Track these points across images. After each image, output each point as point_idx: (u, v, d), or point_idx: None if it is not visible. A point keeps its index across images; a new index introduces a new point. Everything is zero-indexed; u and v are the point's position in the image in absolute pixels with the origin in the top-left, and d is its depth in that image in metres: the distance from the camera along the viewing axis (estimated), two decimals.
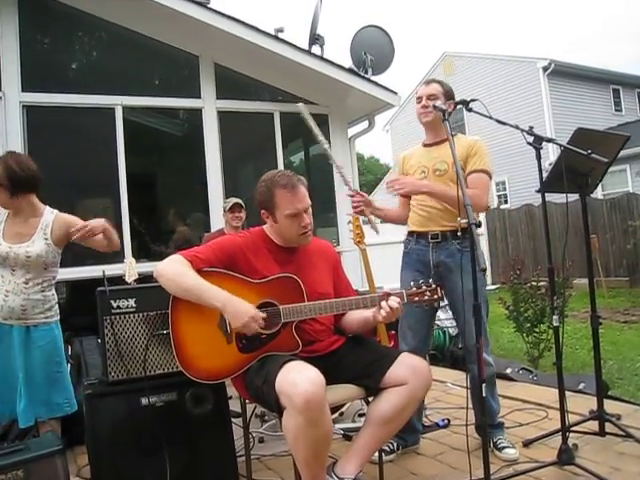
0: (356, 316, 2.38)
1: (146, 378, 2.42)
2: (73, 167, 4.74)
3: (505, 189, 17.82)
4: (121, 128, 4.76)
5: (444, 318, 4.83)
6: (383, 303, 2.19)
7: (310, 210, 2.31)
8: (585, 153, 2.32)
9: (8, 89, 4.36)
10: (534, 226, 12.52)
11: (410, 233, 2.92)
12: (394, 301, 2.19)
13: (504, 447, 2.68)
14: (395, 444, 2.82)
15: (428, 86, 2.82)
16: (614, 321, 7.26)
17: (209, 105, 5.17)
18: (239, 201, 4.36)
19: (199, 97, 5.16)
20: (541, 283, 5.04)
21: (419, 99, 2.81)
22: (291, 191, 2.24)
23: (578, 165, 2.59)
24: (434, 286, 2.25)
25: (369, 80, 5.69)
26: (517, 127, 2.51)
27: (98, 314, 2.45)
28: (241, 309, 2.08)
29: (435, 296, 2.24)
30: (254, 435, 3.03)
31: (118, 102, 4.77)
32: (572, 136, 2.50)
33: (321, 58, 5.43)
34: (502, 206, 16.13)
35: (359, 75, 5.67)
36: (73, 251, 4.67)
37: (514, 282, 5.17)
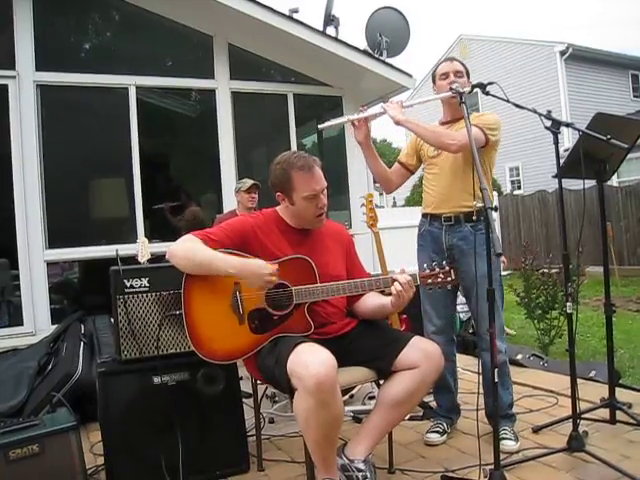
0: (372, 301, 2.38)
1: (159, 357, 2.44)
2: (87, 147, 4.73)
3: (519, 175, 17.66)
4: (134, 108, 4.74)
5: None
6: (395, 284, 2.18)
7: (325, 191, 2.30)
8: (604, 138, 2.28)
9: (22, 68, 4.35)
10: (547, 213, 12.41)
11: (424, 215, 2.90)
12: (402, 278, 2.17)
13: (503, 438, 2.57)
14: (445, 424, 2.85)
15: (453, 63, 2.78)
16: (626, 310, 7.20)
17: (223, 86, 5.14)
18: (256, 182, 4.34)
19: (213, 77, 5.12)
20: (553, 270, 5.01)
21: (445, 75, 2.74)
22: (308, 172, 2.23)
23: (596, 151, 2.55)
24: (447, 268, 2.23)
25: (384, 62, 5.63)
26: (535, 111, 2.47)
27: (111, 293, 2.47)
28: (255, 269, 2.10)
29: (448, 278, 2.23)
30: (265, 416, 3.06)
31: (131, 82, 4.74)
32: (591, 121, 2.46)
33: (336, 39, 5.36)
34: (515, 192, 16.00)
35: (374, 57, 5.61)
36: (86, 231, 4.74)
37: (525, 268, 5.14)
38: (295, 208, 2.29)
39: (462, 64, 2.79)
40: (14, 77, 4.31)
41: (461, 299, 3.08)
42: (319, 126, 2.79)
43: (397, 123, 2.67)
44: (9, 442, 2.03)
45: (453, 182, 2.72)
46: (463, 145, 2.52)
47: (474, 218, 2.57)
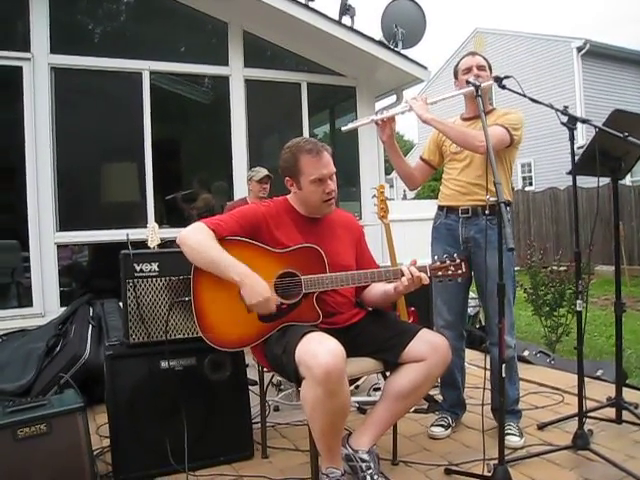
0: (377, 289, 2.38)
1: (166, 342, 2.45)
2: (99, 131, 4.74)
3: (531, 171, 17.54)
4: (148, 93, 4.74)
5: None
6: (405, 268, 2.17)
7: (335, 178, 2.29)
8: (621, 136, 2.26)
9: (37, 51, 4.36)
10: (558, 210, 12.34)
11: (440, 207, 2.88)
12: (415, 272, 2.16)
13: (508, 434, 2.57)
14: (450, 418, 2.85)
15: (475, 57, 2.75)
16: (635, 310, 7.15)
17: (236, 73, 5.13)
18: (269, 174, 4.32)
19: (227, 64, 5.11)
20: (561, 268, 4.99)
21: (468, 69, 2.71)
22: (316, 156, 2.22)
23: (612, 148, 2.52)
24: (458, 261, 2.22)
25: (399, 53, 5.58)
26: (551, 106, 2.44)
27: (121, 277, 2.47)
28: (258, 288, 2.07)
29: (459, 271, 2.21)
30: (270, 403, 3.07)
31: (146, 67, 4.74)
32: (608, 117, 2.43)
33: (351, 29, 5.32)
34: (527, 188, 15.90)
35: (389, 48, 5.56)
36: (97, 214, 4.76)
37: (532, 265, 5.12)
38: (303, 193, 2.29)
39: (484, 58, 2.77)
40: (29, 59, 4.32)
41: (470, 294, 3.07)
42: (342, 128, 2.78)
43: (424, 121, 2.64)
44: (17, 421, 2.05)
45: (474, 177, 2.71)
46: (493, 145, 2.49)
47: (487, 212, 2.56)
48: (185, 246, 2.15)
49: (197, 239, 2.14)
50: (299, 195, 2.31)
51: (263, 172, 4.34)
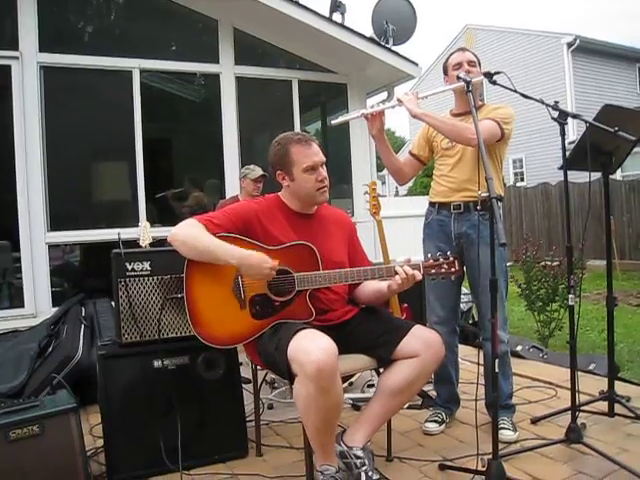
0: (370, 287, 2.38)
1: (159, 341, 2.44)
2: (89, 129, 4.71)
3: (522, 167, 17.60)
4: (138, 92, 4.72)
5: None
6: (398, 268, 2.17)
7: (325, 167, 2.31)
8: (612, 130, 2.26)
9: (26, 49, 4.32)
10: (550, 205, 12.39)
11: (432, 204, 2.88)
12: (409, 270, 2.16)
13: (502, 428, 2.59)
14: (444, 414, 2.86)
15: (465, 53, 2.75)
16: (626, 304, 7.19)
17: (227, 70, 5.11)
18: (265, 173, 4.31)
19: (217, 62, 5.09)
20: (554, 263, 5.00)
21: (458, 65, 2.70)
22: (305, 144, 2.26)
23: (603, 143, 2.53)
24: (451, 258, 2.22)
25: (390, 50, 5.58)
26: (542, 102, 2.45)
27: (113, 276, 2.46)
28: (256, 263, 2.09)
29: (452, 269, 2.21)
30: (264, 401, 3.07)
31: (136, 65, 4.71)
32: (599, 112, 2.44)
33: (342, 26, 5.31)
34: (518, 184, 15.95)
35: (380, 44, 5.56)
36: (88, 214, 4.73)
37: (526, 261, 5.13)
38: (296, 184, 2.29)
39: (474, 54, 2.77)
40: (17, 58, 4.29)
41: (462, 290, 3.07)
42: (332, 122, 2.79)
43: (414, 116, 2.63)
44: (9, 422, 2.03)
45: (466, 173, 2.71)
46: (484, 139, 2.49)
47: (479, 208, 2.56)
48: (177, 241, 2.15)
49: (189, 232, 2.15)
50: (292, 188, 2.31)
51: (259, 171, 4.33)
